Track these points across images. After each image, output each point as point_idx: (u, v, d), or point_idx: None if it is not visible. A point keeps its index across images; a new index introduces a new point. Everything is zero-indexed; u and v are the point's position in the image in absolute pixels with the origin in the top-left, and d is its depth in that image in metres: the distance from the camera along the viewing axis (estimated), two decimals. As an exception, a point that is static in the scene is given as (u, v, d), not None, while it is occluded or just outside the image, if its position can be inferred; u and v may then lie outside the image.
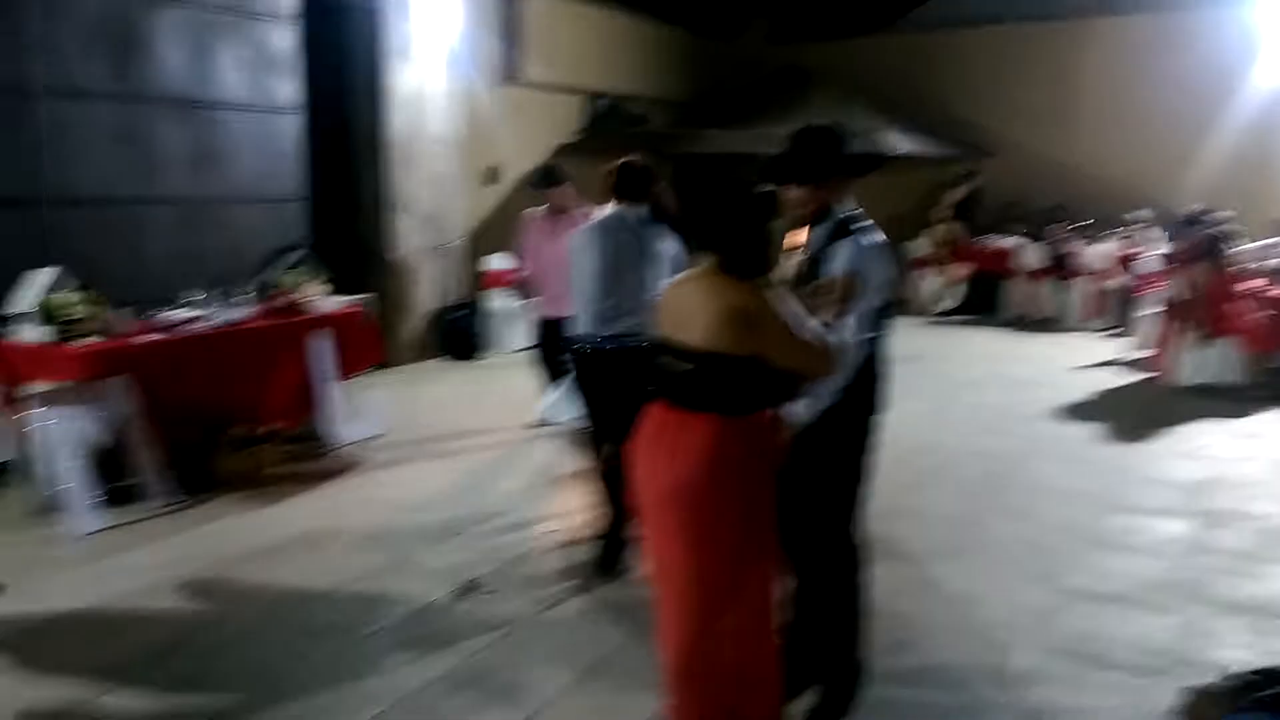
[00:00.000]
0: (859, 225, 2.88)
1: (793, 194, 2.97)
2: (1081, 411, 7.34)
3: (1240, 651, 3.45)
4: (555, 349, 5.50)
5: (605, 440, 4.44)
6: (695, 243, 2.83)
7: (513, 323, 9.74)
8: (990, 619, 3.79)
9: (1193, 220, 8.47)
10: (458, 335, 9.56)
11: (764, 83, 13.41)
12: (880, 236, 2.91)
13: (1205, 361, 7.85)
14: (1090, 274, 11.28)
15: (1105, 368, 9.03)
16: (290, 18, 8.05)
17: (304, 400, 6.14)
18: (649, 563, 2.80)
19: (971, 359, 9.68)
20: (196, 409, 5.42)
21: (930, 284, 12.36)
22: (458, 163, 9.78)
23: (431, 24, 9.14)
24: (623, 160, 4.51)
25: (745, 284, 2.59)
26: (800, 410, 2.78)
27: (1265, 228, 9.94)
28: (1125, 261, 10.73)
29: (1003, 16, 13.48)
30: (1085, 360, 9.37)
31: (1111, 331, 10.73)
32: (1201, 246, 8.05)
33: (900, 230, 11.54)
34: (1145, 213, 11.81)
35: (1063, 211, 12.32)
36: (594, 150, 11.97)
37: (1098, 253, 11.23)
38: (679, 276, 2.90)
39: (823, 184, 2.93)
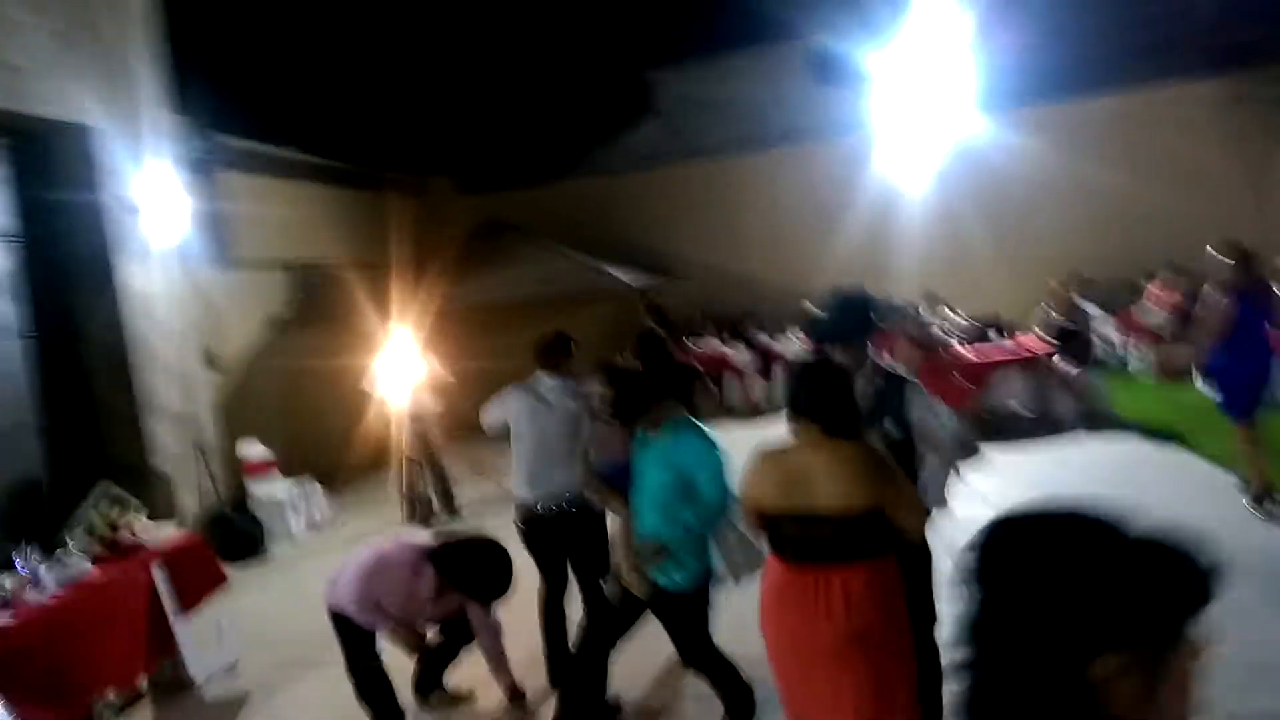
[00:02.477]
0: (901, 373, 3.43)
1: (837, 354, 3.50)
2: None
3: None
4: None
5: (553, 595, 4.70)
6: (792, 411, 3.04)
7: (284, 511, 9.21)
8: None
9: (893, 309, 10.16)
10: (234, 536, 8.80)
11: (470, 237, 13.91)
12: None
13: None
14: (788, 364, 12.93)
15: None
16: (4, 236, 7.32)
17: (158, 644, 5.48)
18: (818, 710, 2.91)
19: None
20: (60, 685, 4.67)
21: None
22: (196, 356, 9.16)
23: (156, 217, 8.62)
24: (546, 332, 4.86)
25: (857, 444, 2.94)
26: None
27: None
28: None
29: (672, 157, 15.33)
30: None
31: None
32: (903, 329, 9.70)
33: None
34: (808, 305, 13.90)
35: (753, 316, 14.04)
36: (307, 322, 11.76)
37: (790, 347, 12.91)
38: (773, 450, 3.06)
39: (861, 342, 3.47)
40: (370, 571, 4.34)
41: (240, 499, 9.08)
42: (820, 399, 2.96)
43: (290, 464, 10.01)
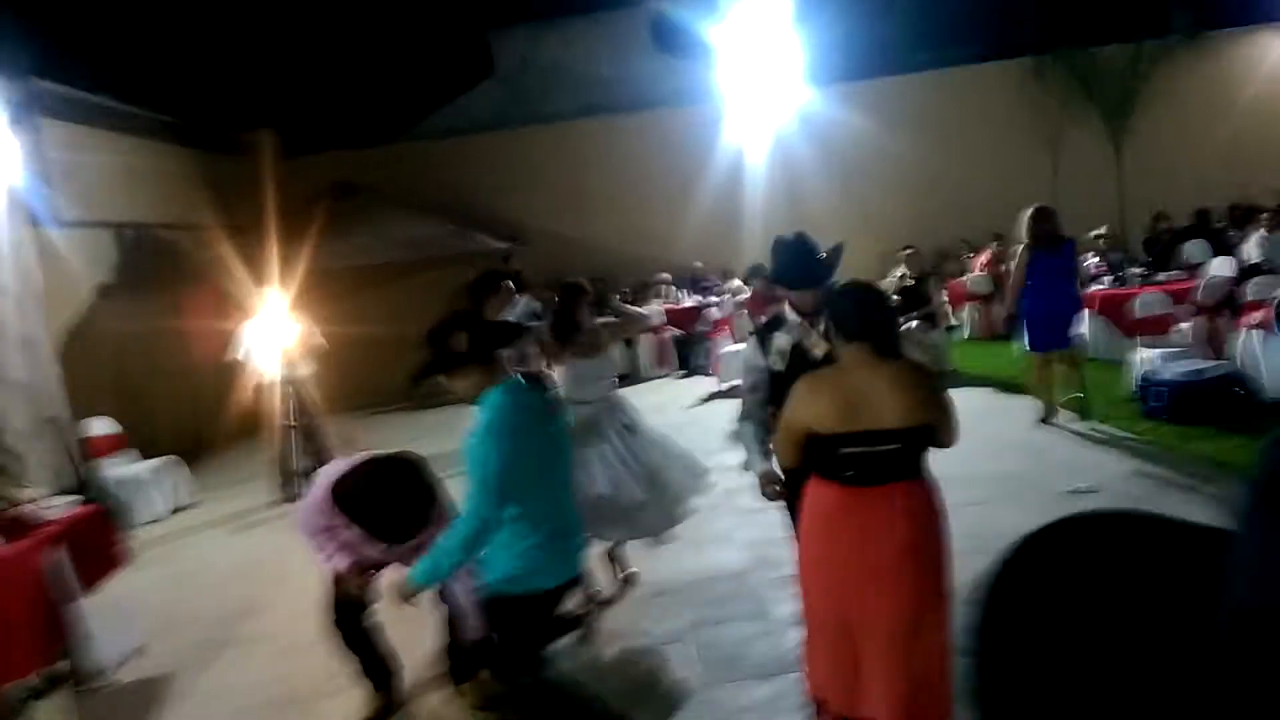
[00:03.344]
0: None
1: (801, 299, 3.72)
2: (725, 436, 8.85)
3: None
4: None
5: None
6: (841, 334, 3.11)
7: (145, 491, 8.57)
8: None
9: (760, 269, 10.53)
10: (90, 520, 8.09)
11: (323, 199, 13.24)
12: None
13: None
14: (650, 330, 13.19)
15: (715, 400, 10.78)
16: None
17: (52, 631, 5.02)
18: (876, 621, 3.03)
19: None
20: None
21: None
22: (40, 322, 8.31)
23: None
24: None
25: (906, 363, 3.11)
26: None
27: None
28: (688, 314, 12.82)
29: (508, 121, 15.12)
30: (692, 400, 11.06)
31: (686, 374, 12.70)
32: (766, 288, 10.12)
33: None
34: (664, 275, 14.27)
35: (602, 283, 14.16)
36: (151, 288, 10.96)
37: (651, 312, 13.17)
38: (823, 374, 3.15)
39: (825, 284, 3.69)
40: (307, 507, 3.80)
41: (88, 480, 8.34)
42: (870, 320, 3.09)
43: (148, 440, 9.29)
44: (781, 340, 3.83)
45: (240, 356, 8.66)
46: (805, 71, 14.23)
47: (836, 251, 3.85)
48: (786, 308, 3.89)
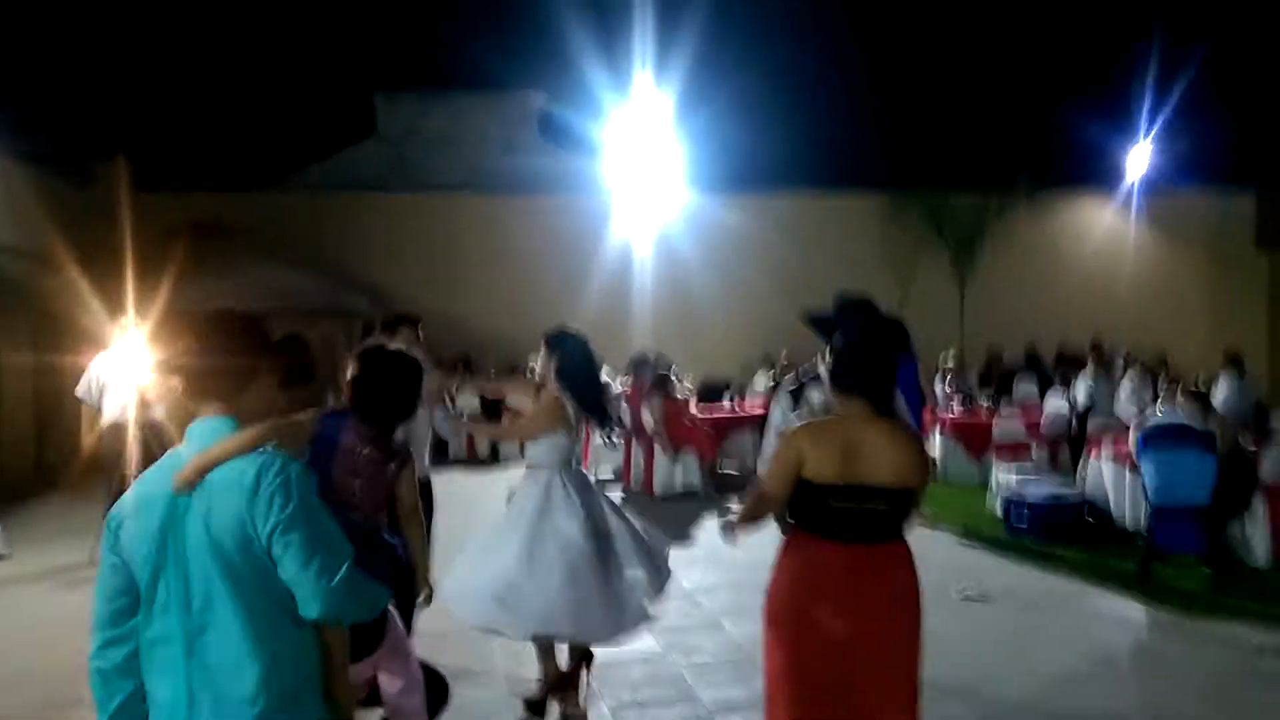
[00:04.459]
0: None
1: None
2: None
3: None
4: None
5: None
6: (840, 388, 3.14)
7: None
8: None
9: (642, 362, 10.58)
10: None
11: (168, 237, 12.36)
12: None
13: (674, 474, 9.93)
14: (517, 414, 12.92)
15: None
16: None
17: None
18: (862, 676, 3.02)
19: (467, 496, 10.06)
20: None
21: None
22: None
23: None
24: None
25: (900, 423, 3.14)
26: None
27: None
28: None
29: (389, 185, 14.80)
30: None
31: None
32: (654, 382, 10.19)
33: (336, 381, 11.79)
34: (534, 360, 14.12)
35: (467, 361, 13.86)
36: None
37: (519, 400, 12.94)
38: (823, 421, 3.19)
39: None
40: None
41: None
42: (872, 377, 3.12)
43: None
44: (817, 398, 3.84)
45: (87, 393, 7.83)
46: (687, 174, 14.77)
47: (904, 331, 3.86)
48: (819, 364, 3.91)
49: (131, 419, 7.78)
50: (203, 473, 2.02)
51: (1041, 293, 15.99)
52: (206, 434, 2.09)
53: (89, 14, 12.05)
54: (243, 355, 2.19)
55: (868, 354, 3.18)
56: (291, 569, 1.99)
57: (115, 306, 9.11)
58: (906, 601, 3.09)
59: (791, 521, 3.18)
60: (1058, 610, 6.14)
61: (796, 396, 3.94)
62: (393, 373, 3.19)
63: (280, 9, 14.10)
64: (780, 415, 3.99)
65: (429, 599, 3.58)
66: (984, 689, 4.80)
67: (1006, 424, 9.89)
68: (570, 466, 4.43)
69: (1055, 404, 10.83)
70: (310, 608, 2.01)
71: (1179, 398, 7.75)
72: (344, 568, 2.03)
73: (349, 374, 3.20)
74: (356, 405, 3.08)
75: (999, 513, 8.42)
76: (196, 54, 14.04)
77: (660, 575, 4.46)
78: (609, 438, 5.36)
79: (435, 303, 14.54)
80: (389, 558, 2.69)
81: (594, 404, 4.51)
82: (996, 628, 5.78)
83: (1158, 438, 6.78)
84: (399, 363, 3.26)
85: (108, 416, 7.83)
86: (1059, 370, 13.84)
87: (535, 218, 14.83)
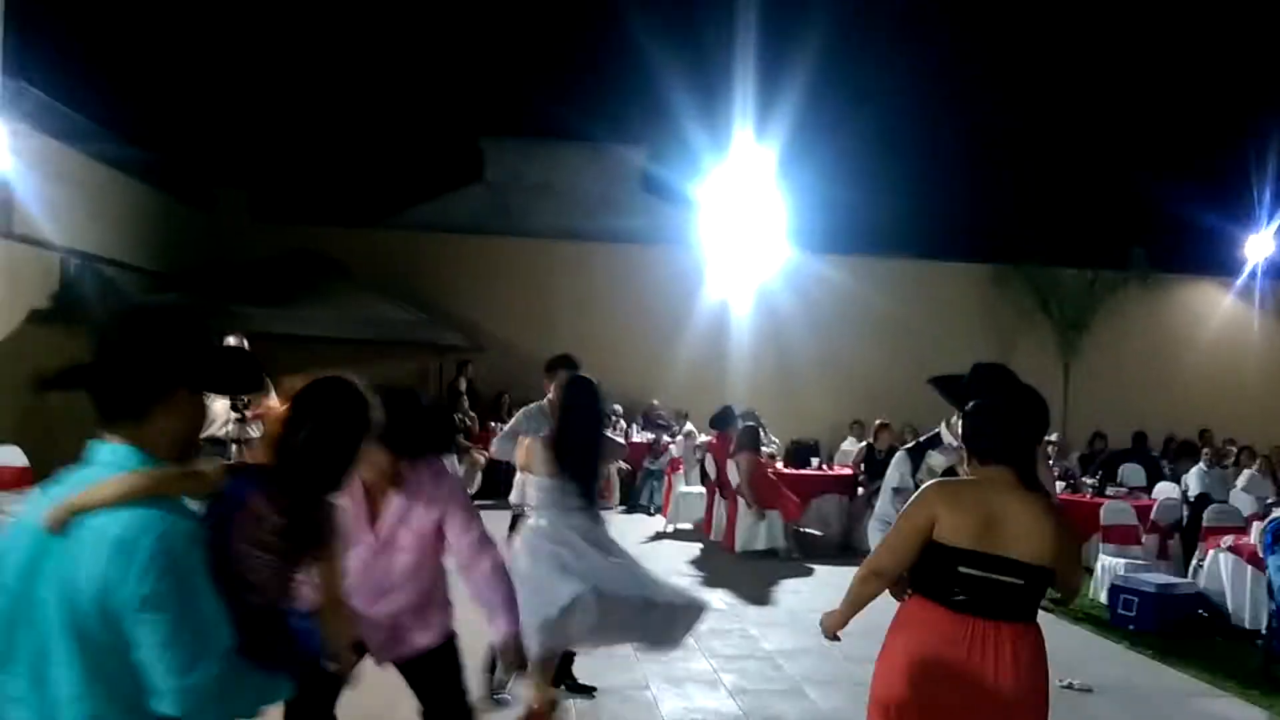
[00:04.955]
0: None
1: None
2: (699, 578, 8.53)
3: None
4: None
5: None
6: (980, 453, 2.90)
7: None
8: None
9: (729, 415, 10.40)
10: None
11: (276, 263, 12.77)
12: None
13: (757, 531, 9.66)
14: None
15: (661, 540, 10.40)
16: None
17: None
18: None
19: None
20: None
21: (453, 469, 12.73)
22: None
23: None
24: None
25: (1047, 497, 2.92)
26: None
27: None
28: (637, 450, 12.54)
29: (489, 229, 15.06)
30: (638, 537, 10.63)
31: (626, 509, 12.32)
32: (743, 436, 9.97)
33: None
34: (616, 406, 14.04)
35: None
36: (73, 319, 10.26)
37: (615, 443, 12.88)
38: (966, 483, 2.93)
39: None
40: None
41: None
42: (1018, 444, 2.88)
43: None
44: (936, 461, 3.65)
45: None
46: (788, 233, 14.67)
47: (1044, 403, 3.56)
48: (943, 428, 3.74)
49: (225, 435, 7.94)
50: (73, 514, 1.64)
51: (1150, 377, 15.29)
52: (99, 464, 1.71)
53: (221, 44, 12.68)
54: (153, 366, 1.74)
55: (1014, 419, 2.93)
56: (148, 655, 1.62)
57: (228, 327, 9.38)
58: (1035, 685, 2.80)
59: (910, 592, 2.92)
60: (1172, 708, 5.67)
61: (916, 459, 3.68)
62: (335, 418, 2.19)
63: (396, 55, 14.62)
64: (898, 476, 3.71)
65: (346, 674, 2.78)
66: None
67: (1115, 507, 9.35)
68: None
69: (1166, 491, 10.24)
70: (162, 703, 1.64)
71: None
72: (212, 664, 1.65)
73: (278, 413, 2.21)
74: (279, 459, 2.12)
75: (1104, 599, 7.92)
76: (317, 93, 14.63)
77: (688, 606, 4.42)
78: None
79: (525, 343, 14.64)
80: (292, 646, 2.09)
81: (577, 464, 4.19)
82: (1105, 723, 5.35)
83: (1291, 533, 6.28)
84: (346, 403, 2.25)
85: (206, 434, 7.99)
86: (1167, 458, 13.18)
87: (630, 266, 14.85)
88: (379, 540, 3.03)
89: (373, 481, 3.00)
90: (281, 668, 1.90)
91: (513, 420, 5.42)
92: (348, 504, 2.73)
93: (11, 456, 8.10)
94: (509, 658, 3.19)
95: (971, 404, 3.06)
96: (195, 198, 13.73)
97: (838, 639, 3.08)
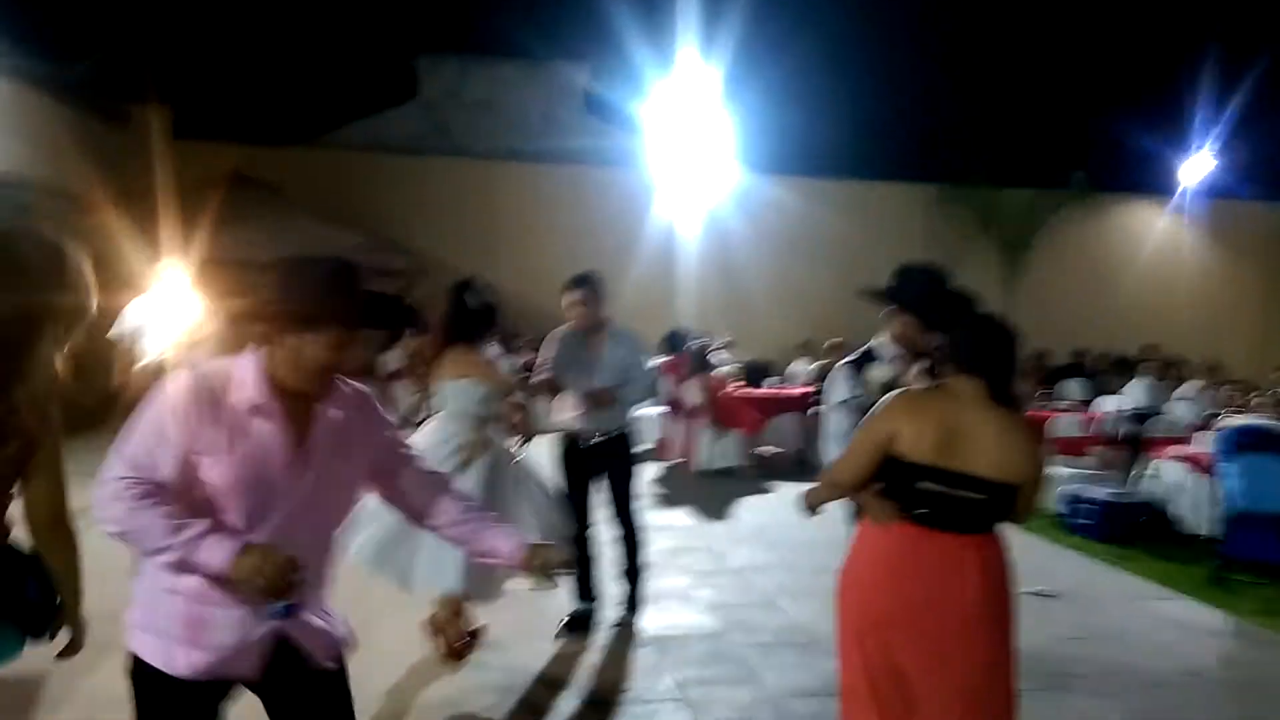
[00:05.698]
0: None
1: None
2: (661, 497, 8.49)
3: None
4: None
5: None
6: (953, 361, 2.81)
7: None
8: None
9: (682, 339, 10.30)
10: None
11: (203, 184, 12.11)
12: None
13: (716, 451, 9.64)
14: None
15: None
16: None
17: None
18: (946, 675, 2.74)
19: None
20: None
21: (405, 396, 12.42)
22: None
23: None
24: None
25: (1018, 415, 2.81)
26: None
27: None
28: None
29: (427, 149, 14.52)
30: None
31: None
32: (695, 357, 9.89)
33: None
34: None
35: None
36: None
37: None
38: (927, 395, 2.85)
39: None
40: None
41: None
42: (992, 356, 2.78)
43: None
44: (877, 373, 3.53)
45: (122, 335, 7.57)
46: (737, 153, 14.44)
47: (969, 300, 3.54)
48: (885, 339, 3.60)
49: (169, 361, 7.56)
50: None
51: (1090, 296, 15.65)
52: None
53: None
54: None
55: (999, 333, 2.81)
56: None
57: (151, 250, 8.89)
58: (1000, 593, 2.76)
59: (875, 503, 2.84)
60: (1132, 611, 5.82)
61: (856, 373, 3.57)
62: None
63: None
64: (844, 389, 3.60)
65: (75, 647, 2.46)
66: (1070, 699, 4.48)
67: (1064, 420, 9.54)
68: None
69: (1107, 404, 10.48)
70: None
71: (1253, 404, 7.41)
72: None
73: None
74: None
75: (1057, 510, 8.09)
76: (241, 5, 13.75)
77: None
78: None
79: (469, 267, 14.26)
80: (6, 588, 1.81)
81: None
82: (1069, 628, 5.45)
83: (1246, 442, 6.43)
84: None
85: (145, 359, 7.59)
86: (1104, 373, 13.54)
87: (576, 190, 14.53)
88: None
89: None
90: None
91: (543, 351, 5.23)
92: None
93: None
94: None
95: (967, 318, 2.98)
96: (111, 114, 12.90)
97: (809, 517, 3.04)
